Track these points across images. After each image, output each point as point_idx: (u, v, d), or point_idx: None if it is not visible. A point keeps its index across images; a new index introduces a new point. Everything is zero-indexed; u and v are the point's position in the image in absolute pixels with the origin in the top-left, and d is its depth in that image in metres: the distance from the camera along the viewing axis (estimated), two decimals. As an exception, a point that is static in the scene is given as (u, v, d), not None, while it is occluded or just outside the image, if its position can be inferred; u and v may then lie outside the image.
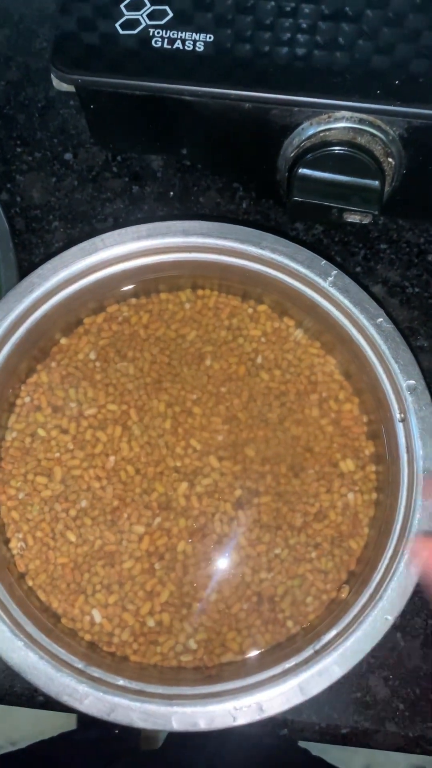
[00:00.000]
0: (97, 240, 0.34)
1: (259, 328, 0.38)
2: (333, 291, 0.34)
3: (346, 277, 0.34)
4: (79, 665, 0.31)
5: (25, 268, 0.42)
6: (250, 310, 0.38)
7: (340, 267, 0.42)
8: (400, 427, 0.33)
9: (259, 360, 0.38)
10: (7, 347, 0.35)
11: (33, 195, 0.43)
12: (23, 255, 0.42)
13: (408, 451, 0.32)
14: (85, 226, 0.43)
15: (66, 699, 0.30)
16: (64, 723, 0.99)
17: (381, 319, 0.34)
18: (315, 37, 0.35)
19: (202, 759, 0.61)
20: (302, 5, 0.35)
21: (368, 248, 0.43)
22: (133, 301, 0.38)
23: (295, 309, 0.37)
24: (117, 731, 0.76)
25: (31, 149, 0.44)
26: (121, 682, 0.30)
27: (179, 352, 0.38)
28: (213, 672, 0.33)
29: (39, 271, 0.34)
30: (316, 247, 0.43)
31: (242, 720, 0.29)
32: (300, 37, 0.35)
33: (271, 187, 0.40)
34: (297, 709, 0.37)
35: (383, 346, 0.33)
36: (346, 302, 0.34)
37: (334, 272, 0.34)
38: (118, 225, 0.43)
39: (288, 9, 0.35)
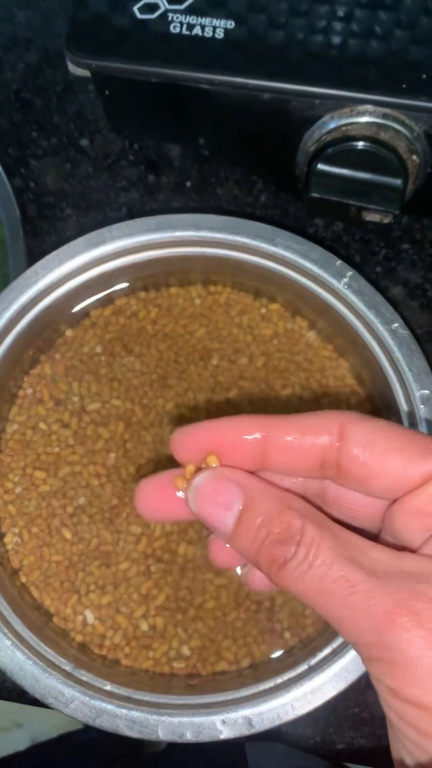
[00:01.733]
0: (104, 231, 0.33)
1: (271, 327, 0.37)
2: (347, 293, 0.33)
3: (362, 279, 0.33)
4: (68, 667, 0.30)
5: (36, 255, 0.41)
6: (263, 310, 0.37)
7: (360, 266, 0.41)
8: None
9: (268, 361, 0.36)
10: (11, 337, 0.34)
11: (47, 181, 0.42)
12: (34, 242, 0.42)
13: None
14: (98, 215, 0.42)
15: (52, 701, 0.29)
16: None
17: (396, 324, 0.32)
18: (341, 27, 0.33)
19: (205, 762, 0.60)
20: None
21: (390, 248, 0.41)
22: (142, 294, 0.37)
23: (308, 309, 0.36)
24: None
25: (47, 134, 0.43)
26: (108, 687, 0.30)
27: (187, 349, 0.37)
28: (205, 681, 0.32)
29: (44, 261, 0.33)
30: (335, 244, 0.41)
31: (230, 734, 0.28)
32: (326, 26, 0.33)
33: (290, 181, 0.38)
34: (292, 723, 0.36)
35: (397, 353, 0.32)
36: (361, 305, 0.33)
37: (350, 273, 0.33)
38: (132, 214, 0.42)
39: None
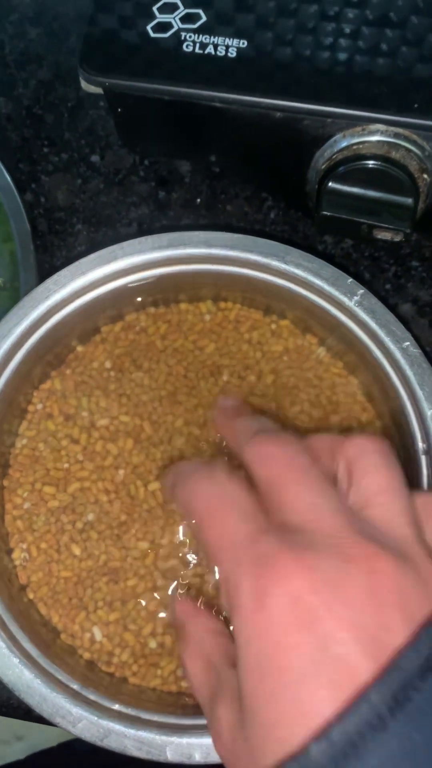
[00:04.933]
0: (116, 248, 0.33)
1: (281, 343, 0.37)
2: (359, 311, 0.33)
3: (373, 297, 0.33)
4: (75, 686, 0.30)
5: (46, 270, 0.41)
6: (273, 326, 0.37)
7: (369, 283, 0.41)
8: (423, 458, 0.32)
9: (278, 378, 0.36)
10: (21, 353, 0.34)
11: (57, 196, 0.43)
12: (44, 257, 0.42)
13: (430, 486, 0.31)
14: (108, 230, 0.42)
15: (59, 721, 0.29)
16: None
17: (408, 343, 0.32)
18: (354, 47, 0.33)
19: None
20: (345, 9, 0.33)
21: (399, 265, 0.41)
22: (152, 310, 0.37)
23: (319, 326, 0.36)
24: None
25: (58, 150, 0.43)
26: (116, 707, 0.29)
27: (196, 364, 0.37)
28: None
29: (55, 277, 0.33)
30: (344, 261, 0.41)
31: (239, 756, 0.28)
32: (338, 46, 0.33)
33: (300, 198, 0.39)
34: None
35: (408, 372, 0.32)
36: (372, 323, 0.33)
37: (361, 291, 0.33)
38: (142, 230, 0.42)
39: (331, 13, 0.33)
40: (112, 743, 0.28)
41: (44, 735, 1.08)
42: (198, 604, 0.27)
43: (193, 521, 0.22)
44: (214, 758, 0.28)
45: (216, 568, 0.21)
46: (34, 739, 1.10)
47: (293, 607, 0.18)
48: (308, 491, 0.21)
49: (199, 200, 0.42)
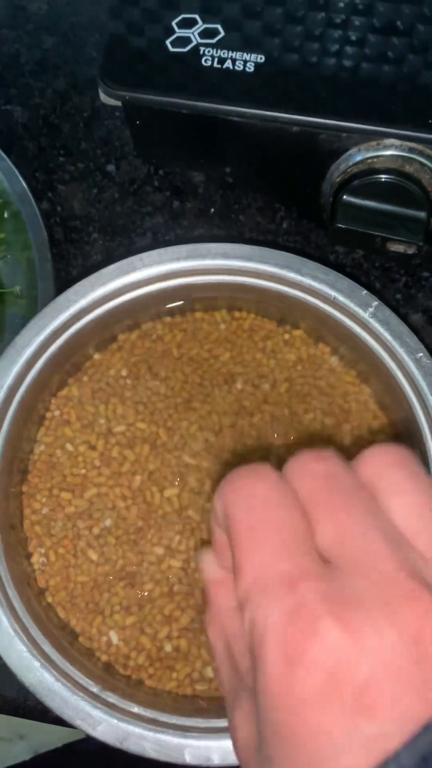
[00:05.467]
0: (135, 259, 0.34)
1: (294, 353, 0.38)
2: (373, 322, 0.33)
3: (387, 309, 0.33)
4: (95, 689, 0.30)
5: (62, 278, 0.42)
6: (286, 335, 0.38)
7: (380, 293, 0.42)
8: (434, 467, 0.32)
9: (291, 386, 0.37)
10: (41, 362, 0.34)
11: (74, 205, 0.43)
12: (60, 265, 0.42)
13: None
14: (123, 239, 0.43)
15: (79, 723, 0.29)
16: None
17: (421, 354, 0.33)
18: (370, 65, 0.34)
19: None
20: (368, 34, 0.34)
21: (410, 275, 0.42)
22: (168, 319, 0.38)
23: (332, 336, 0.37)
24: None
25: (74, 159, 0.44)
26: (135, 709, 0.30)
27: (211, 372, 0.37)
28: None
29: (76, 287, 0.34)
30: (355, 271, 0.42)
31: (256, 759, 0.29)
32: (356, 65, 0.34)
33: (313, 210, 0.39)
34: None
35: (422, 382, 0.33)
36: (386, 335, 0.33)
37: (375, 303, 0.34)
38: (156, 240, 0.43)
39: (353, 38, 0.34)
40: (131, 746, 0.29)
41: (47, 734, 1.09)
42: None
43: (227, 526, 0.20)
44: (233, 761, 0.29)
45: (238, 583, 0.18)
46: (37, 738, 1.11)
47: (328, 682, 0.16)
48: (356, 518, 0.18)
49: (212, 210, 0.43)
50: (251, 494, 0.20)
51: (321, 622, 0.16)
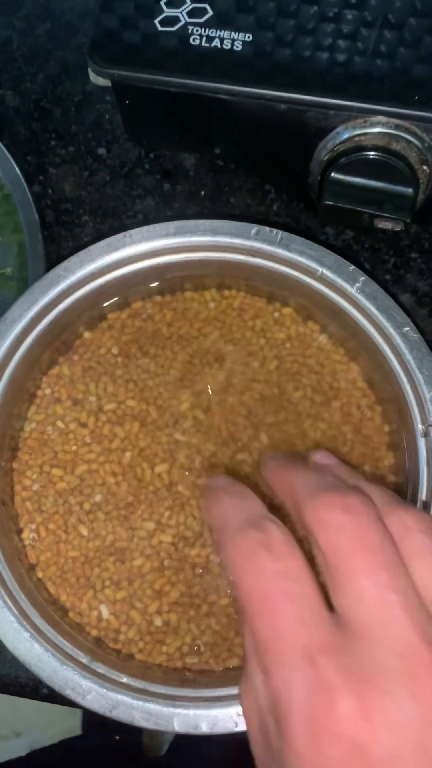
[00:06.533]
0: (124, 235, 0.34)
1: (284, 331, 0.38)
2: (360, 297, 0.34)
3: (374, 284, 0.34)
4: (84, 660, 0.30)
5: (53, 260, 0.42)
6: (276, 314, 0.38)
7: (369, 274, 0.42)
8: (422, 440, 0.32)
9: (281, 364, 0.37)
10: (31, 338, 0.35)
11: (65, 188, 0.44)
12: (52, 247, 0.43)
13: (429, 465, 0.32)
14: (114, 222, 0.43)
15: (69, 693, 0.30)
16: (69, 716, 0.99)
17: (408, 328, 0.33)
18: (356, 43, 0.34)
19: (206, 767, 0.60)
20: (345, 11, 0.34)
21: (399, 256, 0.42)
22: (158, 298, 0.38)
23: (321, 314, 0.37)
24: (118, 738, 0.76)
25: (65, 143, 0.44)
26: (125, 679, 0.30)
27: (201, 351, 0.38)
28: (218, 676, 0.33)
29: (65, 263, 0.34)
30: (345, 252, 0.42)
31: (244, 726, 0.29)
32: (341, 42, 0.34)
33: (302, 190, 0.39)
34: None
35: (408, 356, 0.33)
36: (373, 309, 0.33)
37: (362, 278, 0.34)
38: (147, 222, 0.43)
39: (330, 14, 0.34)
40: (120, 714, 0.29)
41: (43, 731, 1.09)
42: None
43: (238, 595, 0.19)
44: (220, 729, 0.29)
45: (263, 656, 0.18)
46: (34, 735, 1.11)
47: (352, 755, 0.16)
48: (378, 582, 0.18)
49: (203, 192, 0.43)
50: (259, 568, 0.19)
51: (341, 697, 0.16)
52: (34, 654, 0.30)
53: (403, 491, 0.34)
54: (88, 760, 0.71)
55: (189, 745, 0.66)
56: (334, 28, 0.34)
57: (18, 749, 1.10)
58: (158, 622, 0.34)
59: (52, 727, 1.05)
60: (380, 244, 0.42)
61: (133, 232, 0.34)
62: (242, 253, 0.35)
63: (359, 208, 0.35)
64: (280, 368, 0.37)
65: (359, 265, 0.41)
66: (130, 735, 0.73)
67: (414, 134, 0.34)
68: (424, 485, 0.31)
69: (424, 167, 0.35)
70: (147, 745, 0.85)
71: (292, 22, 0.35)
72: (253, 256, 0.35)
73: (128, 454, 0.36)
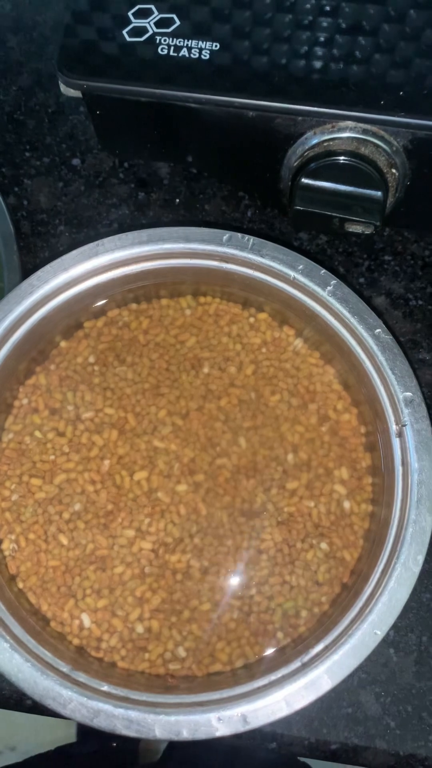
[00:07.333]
0: (97, 244, 0.34)
1: (259, 336, 0.38)
2: (332, 300, 0.34)
3: (346, 287, 0.34)
4: (65, 669, 0.30)
5: (30, 271, 0.42)
6: (251, 319, 0.38)
7: (343, 278, 0.42)
8: (396, 440, 0.33)
9: (257, 368, 0.37)
10: (6, 348, 0.35)
11: (40, 199, 0.44)
12: (28, 258, 0.43)
13: (403, 464, 0.32)
14: (90, 231, 0.43)
15: (50, 703, 0.30)
16: (64, 728, 0.99)
17: (379, 330, 0.33)
18: (325, 50, 0.35)
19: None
20: (319, 19, 0.35)
21: (372, 259, 0.43)
22: (134, 306, 0.38)
23: (295, 318, 0.37)
24: (115, 744, 0.76)
25: (39, 154, 0.44)
26: (105, 687, 0.30)
27: (178, 358, 0.38)
28: (201, 681, 0.33)
29: (39, 273, 0.34)
30: (319, 257, 0.43)
31: (225, 731, 0.29)
32: (304, 48, 0.35)
33: (275, 196, 0.40)
34: (286, 723, 0.36)
35: (381, 357, 0.33)
36: (345, 312, 0.34)
37: (333, 282, 0.34)
38: (123, 230, 0.43)
39: (305, 22, 0.35)
40: (101, 723, 0.29)
41: (38, 745, 1.08)
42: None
43: None
44: (202, 734, 0.29)
45: None
46: (28, 749, 1.10)
47: None
48: None
49: (177, 200, 0.44)
50: None
51: None
52: (14, 664, 0.30)
53: (381, 492, 0.34)
54: (85, 766, 0.71)
55: (183, 750, 0.66)
56: (305, 36, 0.35)
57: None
58: (140, 629, 0.34)
59: (46, 740, 1.04)
60: (354, 248, 0.43)
61: (105, 240, 0.35)
62: (215, 260, 0.35)
63: (330, 213, 0.36)
64: (256, 373, 0.37)
65: (333, 269, 0.42)
66: (127, 741, 0.73)
67: (382, 138, 0.35)
68: (399, 485, 0.32)
69: (393, 171, 0.35)
70: (143, 750, 0.85)
71: (258, 28, 0.35)
72: (227, 262, 0.35)
73: (107, 462, 0.36)
